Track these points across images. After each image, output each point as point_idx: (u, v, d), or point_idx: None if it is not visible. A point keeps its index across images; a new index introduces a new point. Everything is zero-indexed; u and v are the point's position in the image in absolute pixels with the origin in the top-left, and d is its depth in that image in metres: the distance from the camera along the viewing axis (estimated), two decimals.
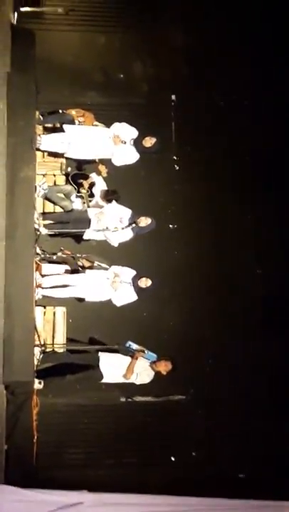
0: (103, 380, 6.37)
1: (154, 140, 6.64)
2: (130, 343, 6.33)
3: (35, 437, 6.05)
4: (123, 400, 7.05)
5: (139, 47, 8.07)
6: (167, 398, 7.16)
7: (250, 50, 8.10)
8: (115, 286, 6.39)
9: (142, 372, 6.34)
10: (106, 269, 6.58)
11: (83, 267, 6.64)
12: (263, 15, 8.10)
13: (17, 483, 5.31)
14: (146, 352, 6.34)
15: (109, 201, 6.65)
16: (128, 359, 6.32)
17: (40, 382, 6.05)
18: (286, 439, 7.10)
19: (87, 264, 6.65)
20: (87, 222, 6.60)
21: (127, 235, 6.52)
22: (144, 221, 6.47)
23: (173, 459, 7.03)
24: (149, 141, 6.65)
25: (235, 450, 7.05)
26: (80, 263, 6.68)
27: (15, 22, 7.08)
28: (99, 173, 6.87)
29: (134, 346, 6.32)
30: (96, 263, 6.63)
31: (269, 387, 7.34)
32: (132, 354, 6.31)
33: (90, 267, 6.62)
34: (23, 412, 5.97)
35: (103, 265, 6.62)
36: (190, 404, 7.19)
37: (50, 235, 6.65)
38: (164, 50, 8.10)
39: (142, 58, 8.05)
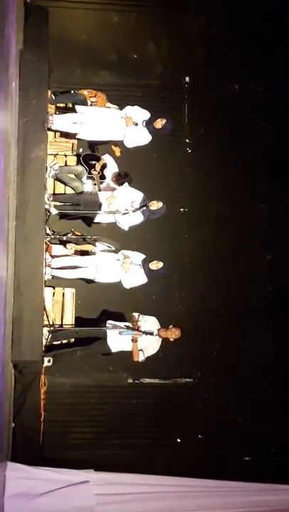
0: (112, 351, 6.34)
1: (164, 121, 6.58)
2: (125, 331, 6.26)
3: (43, 416, 6.10)
4: (130, 381, 7.08)
5: (153, 27, 7.98)
6: (174, 381, 7.18)
7: (268, 35, 7.98)
8: (126, 267, 6.37)
9: (147, 346, 6.32)
10: (115, 252, 6.56)
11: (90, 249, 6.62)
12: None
13: (24, 461, 5.35)
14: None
15: (121, 184, 6.60)
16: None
17: (49, 361, 6.08)
18: None
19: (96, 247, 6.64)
20: (97, 205, 6.58)
21: (138, 218, 6.49)
22: (156, 205, 6.44)
23: (179, 440, 7.07)
24: (159, 123, 6.59)
25: (241, 433, 7.09)
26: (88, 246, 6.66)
27: None
28: (112, 154, 6.82)
29: (128, 332, 6.25)
30: (106, 245, 6.60)
31: (276, 371, 7.36)
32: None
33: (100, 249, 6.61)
34: (31, 391, 6.00)
35: (112, 248, 6.60)
36: (197, 387, 7.21)
37: (61, 217, 6.63)
38: (179, 32, 8.01)
39: (157, 39, 7.96)
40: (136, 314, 6.39)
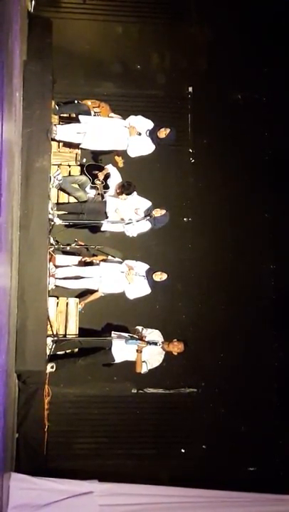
0: (115, 361, 6.35)
1: (168, 131, 6.60)
2: (131, 340, 6.29)
3: (47, 426, 6.10)
4: (134, 391, 7.07)
5: (156, 38, 8.03)
6: (178, 391, 7.17)
7: (270, 45, 8.02)
8: (130, 278, 6.38)
9: (150, 358, 6.32)
10: (119, 262, 6.57)
11: (94, 259, 6.63)
12: (284, 9, 7.99)
13: (28, 471, 5.35)
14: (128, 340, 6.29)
15: (127, 194, 6.60)
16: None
17: (52, 367, 6.07)
18: None
19: (100, 257, 6.64)
20: (102, 214, 6.59)
21: (146, 226, 6.51)
22: (159, 212, 6.46)
23: (183, 451, 7.04)
24: (163, 132, 6.61)
25: (245, 443, 7.05)
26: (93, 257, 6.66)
27: (32, 10, 7.07)
28: (115, 164, 6.84)
29: (135, 342, 6.28)
30: (109, 256, 6.61)
31: (280, 382, 7.33)
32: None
33: (104, 260, 6.62)
34: (34, 401, 6.00)
35: (116, 259, 6.60)
36: (201, 397, 7.20)
37: (66, 226, 6.65)
38: (182, 42, 8.05)
39: (160, 50, 8.01)
40: (140, 328, 6.40)
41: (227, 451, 6.95)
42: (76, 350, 6.55)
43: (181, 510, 5.57)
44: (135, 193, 6.60)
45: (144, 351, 6.25)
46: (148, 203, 6.57)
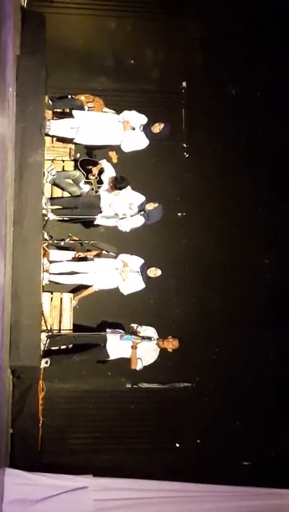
0: (110, 358, 6.36)
1: (162, 125, 6.59)
2: (125, 335, 6.29)
3: (41, 422, 6.09)
4: (129, 386, 7.08)
5: (150, 32, 8.00)
6: (173, 385, 7.18)
7: (265, 40, 8.01)
8: (124, 275, 6.38)
9: (145, 355, 6.33)
10: (114, 257, 6.56)
11: (88, 254, 6.62)
12: (280, 4, 7.99)
13: (22, 467, 5.35)
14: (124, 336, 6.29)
15: (119, 188, 6.60)
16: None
17: (46, 362, 6.07)
18: None
19: (94, 252, 6.63)
20: (96, 208, 6.58)
21: (139, 221, 6.50)
22: (152, 205, 6.45)
23: (178, 445, 7.06)
24: (157, 127, 6.60)
25: (240, 437, 7.07)
26: (87, 252, 6.65)
27: (25, 5, 7.03)
28: (109, 159, 6.83)
29: (130, 337, 6.28)
30: (103, 251, 6.61)
31: (275, 376, 7.35)
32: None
33: (98, 255, 6.61)
34: (29, 397, 6.00)
35: (111, 254, 6.60)
36: (195, 391, 7.21)
37: (59, 220, 6.64)
38: (176, 36, 8.02)
39: (154, 44, 7.99)
40: (134, 325, 6.40)
41: (222, 446, 6.96)
42: (70, 346, 6.55)
43: (176, 505, 5.58)
44: (129, 187, 6.59)
45: (139, 348, 6.25)
46: (142, 198, 6.57)
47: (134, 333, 6.30)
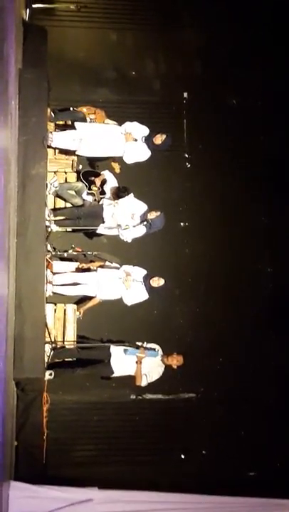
0: (114, 375, 6.35)
1: (164, 137, 6.62)
2: (130, 349, 6.30)
3: (45, 434, 6.06)
4: (133, 397, 7.06)
5: (151, 44, 8.07)
6: (177, 396, 7.16)
7: (265, 49, 8.06)
8: (128, 284, 6.38)
9: (150, 371, 6.34)
10: (117, 268, 6.57)
11: (91, 265, 6.62)
12: (278, 14, 8.04)
13: (27, 479, 5.31)
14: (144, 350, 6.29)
15: (119, 198, 6.62)
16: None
17: (50, 374, 6.05)
18: None
19: (98, 263, 6.64)
20: (99, 218, 6.60)
21: (140, 231, 6.51)
22: (154, 214, 6.47)
23: (183, 456, 7.03)
24: (159, 138, 6.63)
25: (245, 448, 7.04)
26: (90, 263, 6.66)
27: (27, 18, 7.09)
28: (112, 170, 6.85)
29: (134, 351, 6.29)
30: (107, 262, 6.61)
31: (279, 386, 7.32)
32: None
33: (101, 266, 6.62)
34: (33, 409, 5.97)
35: (114, 264, 6.60)
36: (200, 402, 7.19)
37: (62, 231, 6.65)
38: (177, 48, 8.09)
39: (155, 55, 8.04)
40: (139, 343, 6.40)
41: (227, 456, 6.93)
42: (75, 358, 6.54)
43: None
44: (132, 195, 6.60)
45: (143, 363, 6.26)
46: (144, 207, 6.58)
47: (138, 347, 6.30)
